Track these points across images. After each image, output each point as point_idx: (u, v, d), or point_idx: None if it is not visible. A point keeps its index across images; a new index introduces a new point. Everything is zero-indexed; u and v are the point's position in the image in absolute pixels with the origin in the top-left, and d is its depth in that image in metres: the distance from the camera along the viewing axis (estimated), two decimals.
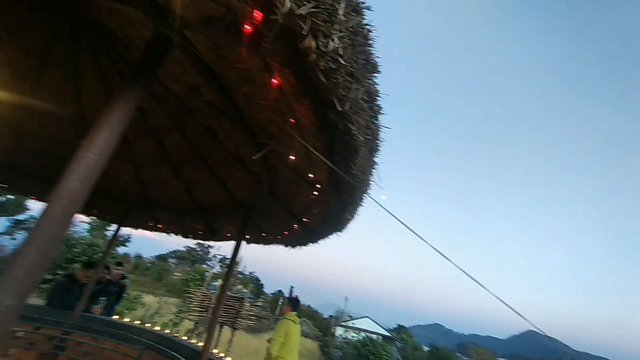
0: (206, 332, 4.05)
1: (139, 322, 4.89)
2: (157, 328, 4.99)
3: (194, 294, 10.60)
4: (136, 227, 6.18)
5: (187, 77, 2.59)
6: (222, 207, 4.70)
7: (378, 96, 1.51)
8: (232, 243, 4.01)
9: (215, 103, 2.46)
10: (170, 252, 50.87)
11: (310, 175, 2.13)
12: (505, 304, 2.40)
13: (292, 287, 5.59)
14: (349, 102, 1.26)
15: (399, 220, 1.90)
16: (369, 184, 2.24)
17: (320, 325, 37.70)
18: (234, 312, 9.96)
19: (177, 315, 12.37)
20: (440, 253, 2.07)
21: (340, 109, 1.25)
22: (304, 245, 4.03)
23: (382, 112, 1.59)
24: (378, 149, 1.88)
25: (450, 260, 2.05)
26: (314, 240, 3.79)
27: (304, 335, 31.75)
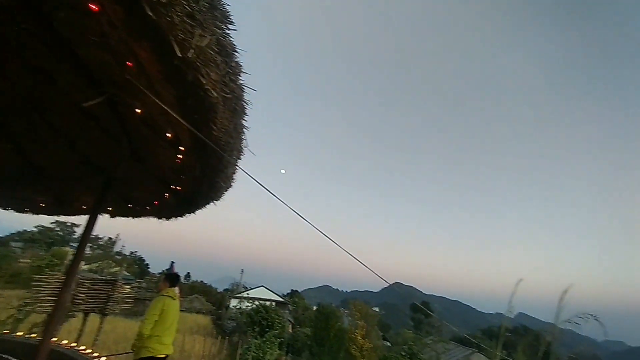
0: (56, 323, 3.39)
1: None
2: None
3: (46, 281, 8.74)
4: None
5: None
6: (72, 173, 3.85)
7: (235, 51, 1.41)
8: (102, 218, 3.35)
9: (38, 34, 1.87)
10: (13, 233, 39.83)
11: (168, 134, 1.90)
12: (361, 262, 2.77)
13: (172, 262, 5.20)
14: (193, 49, 1.13)
15: (265, 188, 1.91)
16: (240, 148, 2.16)
17: (214, 300, 36.93)
18: (103, 297, 8.90)
19: (20, 310, 9.93)
20: (304, 218, 2.22)
21: (181, 55, 1.11)
22: (179, 216, 3.71)
23: (242, 70, 1.51)
24: (244, 111, 1.81)
25: (312, 225, 2.21)
26: (190, 210, 3.53)
27: (196, 311, 30.55)
